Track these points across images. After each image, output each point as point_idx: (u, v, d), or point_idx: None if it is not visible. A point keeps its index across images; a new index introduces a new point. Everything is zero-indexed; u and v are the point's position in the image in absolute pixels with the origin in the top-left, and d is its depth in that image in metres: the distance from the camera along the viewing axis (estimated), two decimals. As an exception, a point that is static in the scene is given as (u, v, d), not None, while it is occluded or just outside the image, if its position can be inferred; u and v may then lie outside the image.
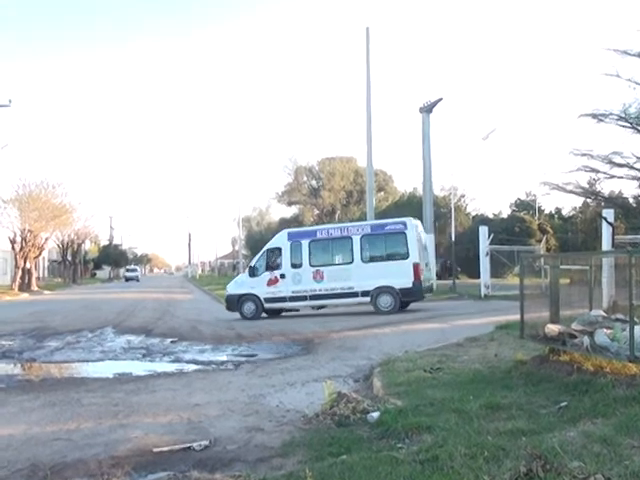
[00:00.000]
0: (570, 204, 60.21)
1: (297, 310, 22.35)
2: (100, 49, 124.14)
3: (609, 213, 16.06)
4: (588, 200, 39.25)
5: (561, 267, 9.43)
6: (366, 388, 8.82)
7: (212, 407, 8.02)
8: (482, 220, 53.16)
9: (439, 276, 37.14)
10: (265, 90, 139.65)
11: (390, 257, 20.25)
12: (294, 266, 21.21)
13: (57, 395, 9.25)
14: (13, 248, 47.06)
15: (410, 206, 54.30)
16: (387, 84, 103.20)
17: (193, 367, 11.95)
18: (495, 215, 64.87)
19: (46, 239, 52.87)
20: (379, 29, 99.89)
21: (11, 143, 50.94)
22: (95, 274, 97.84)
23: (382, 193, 72.92)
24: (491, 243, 28.86)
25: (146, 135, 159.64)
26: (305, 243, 21.42)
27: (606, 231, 15.72)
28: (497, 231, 36.08)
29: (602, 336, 7.41)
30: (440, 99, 34.20)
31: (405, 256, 19.89)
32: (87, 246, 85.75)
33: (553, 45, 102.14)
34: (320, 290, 20.91)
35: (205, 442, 6.33)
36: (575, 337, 7.75)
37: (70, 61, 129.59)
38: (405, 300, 19.90)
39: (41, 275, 65.32)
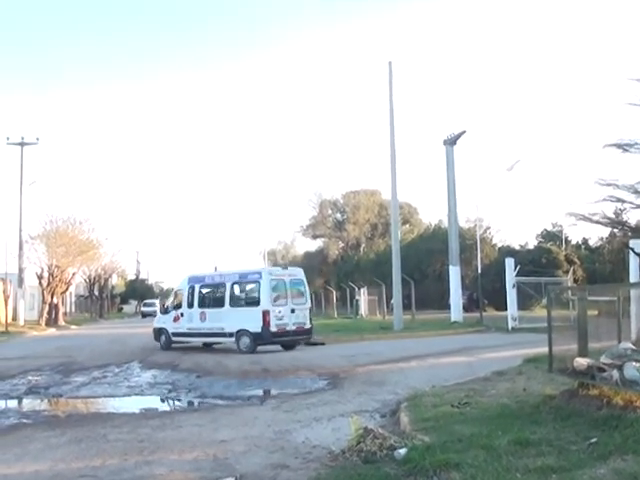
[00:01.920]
0: (597, 235, 59.51)
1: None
2: (120, 83, 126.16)
3: (637, 244, 15.88)
4: (615, 230, 38.88)
5: (589, 299, 9.33)
6: (393, 424, 8.72)
7: (238, 443, 7.98)
8: (508, 251, 52.74)
9: (466, 309, 36.78)
10: (290, 124, 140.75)
11: (248, 303, 22.24)
12: (189, 306, 23.89)
13: (83, 431, 9.24)
14: (40, 283, 47.48)
15: (435, 238, 54.20)
16: (411, 117, 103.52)
17: (218, 402, 11.93)
18: (521, 246, 64.36)
19: (73, 274, 53.28)
20: (403, 62, 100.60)
21: (38, 179, 51.67)
22: (122, 308, 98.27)
23: (407, 226, 72.92)
24: (518, 274, 28.63)
25: (173, 170, 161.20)
26: (197, 287, 24.17)
27: (633, 262, 15.55)
28: (523, 262, 35.72)
29: (631, 369, 7.29)
30: (464, 131, 34.31)
31: (257, 303, 21.52)
32: (114, 281, 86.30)
33: (577, 75, 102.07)
34: (204, 329, 23.41)
35: (231, 479, 6.30)
36: (604, 371, 7.64)
37: (95, 94, 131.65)
38: (258, 343, 21.23)
39: (68, 310, 65.74)
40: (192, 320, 23.59)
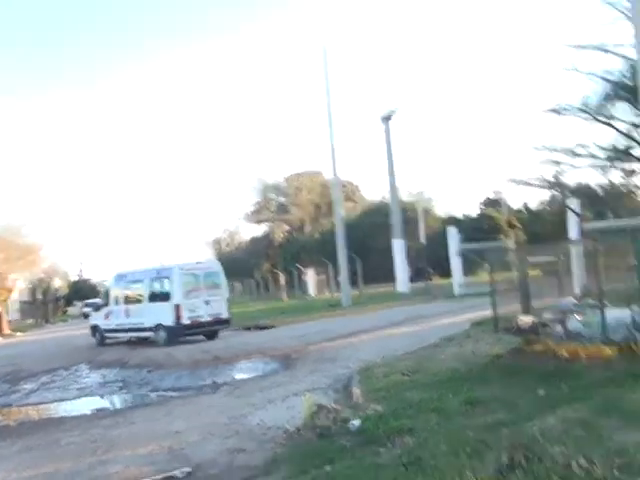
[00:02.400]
0: (537, 199, 60.75)
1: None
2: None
3: (574, 203, 16.28)
4: (555, 192, 39.73)
5: (531, 260, 9.49)
6: (346, 397, 8.73)
7: (192, 433, 7.89)
8: (452, 221, 53.46)
9: (412, 280, 37.11)
10: (229, 110, 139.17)
11: (162, 298, 22.41)
12: (116, 303, 24.49)
13: (34, 439, 9.03)
14: (-20, 292, 46.32)
15: (379, 213, 54.43)
16: (348, 96, 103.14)
17: (171, 394, 11.81)
18: (465, 215, 65.28)
19: (14, 280, 52.10)
20: (339, 38, 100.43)
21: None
22: (67, 311, 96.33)
23: (350, 203, 73.01)
24: (463, 242, 29.00)
25: (112, 163, 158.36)
26: (121, 285, 24.81)
27: (572, 222, 15.93)
28: (467, 230, 36.27)
29: (575, 322, 7.46)
30: (398, 107, 34.58)
31: (169, 298, 21.99)
32: (57, 283, 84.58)
33: (511, 42, 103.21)
34: (128, 324, 23.78)
35: (187, 469, 6.23)
36: (548, 326, 7.80)
37: (31, 99, 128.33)
38: (172, 336, 21.63)
39: (12, 317, 64.27)
40: (119, 317, 24.21)
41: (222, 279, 23.36)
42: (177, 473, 6.13)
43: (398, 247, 32.97)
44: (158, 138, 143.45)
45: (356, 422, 6.51)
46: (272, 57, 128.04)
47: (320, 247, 56.91)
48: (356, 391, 8.37)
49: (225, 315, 22.82)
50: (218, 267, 23.72)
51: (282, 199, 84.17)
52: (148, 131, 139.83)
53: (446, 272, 36.70)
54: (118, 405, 11.34)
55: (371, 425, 6.25)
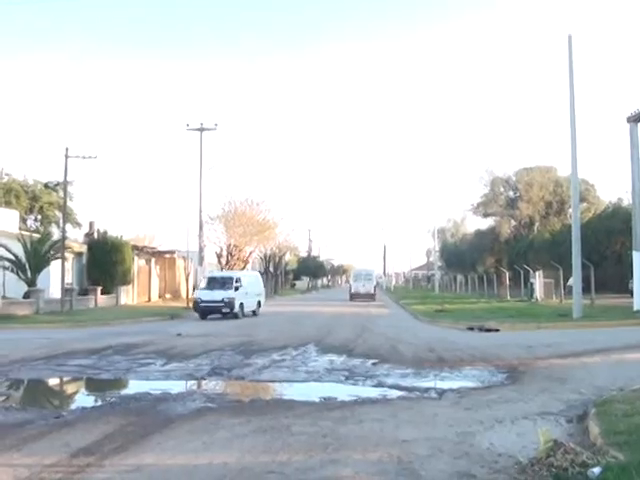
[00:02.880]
0: None
1: None
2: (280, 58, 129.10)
3: None
4: None
5: None
6: (581, 432, 8.38)
7: (420, 445, 7.92)
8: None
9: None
10: (463, 100, 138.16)
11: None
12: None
13: (267, 420, 9.43)
14: (219, 262, 49.82)
15: (615, 218, 51.33)
16: (589, 92, 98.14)
17: (396, 393, 11.94)
18: None
19: (250, 253, 55.48)
20: (583, 35, 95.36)
21: (217, 164, 53.84)
22: (294, 285, 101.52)
23: (584, 204, 69.39)
24: None
25: (342, 148, 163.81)
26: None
27: None
28: None
29: None
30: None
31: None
32: (287, 257, 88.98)
33: None
34: None
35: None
36: None
37: (262, 78, 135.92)
38: None
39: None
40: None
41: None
42: (407, 491, 6.22)
43: (638, 259, 30.78)
44: (397, 122, 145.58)
45: (596, 470, 6.20)
46: (513, 46, 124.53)
47: (549, 247, 54.84)
48: (594, 429, 7.96)
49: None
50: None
51: (511, 193, 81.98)
52: (386, 115, 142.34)
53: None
54: (345, 397, 11.61)
55: (612, 477, 5.91)
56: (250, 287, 36.84)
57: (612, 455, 6.67)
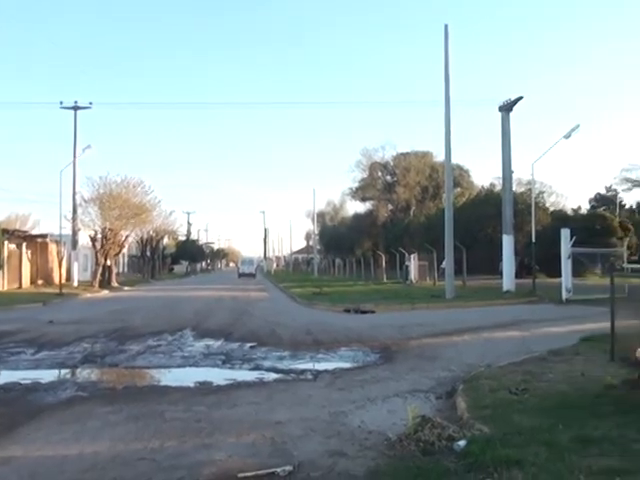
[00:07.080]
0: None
1: None
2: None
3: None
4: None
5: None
6: (449, 408, 8.66)
7: (294, 426, 7.97)
8: (561, 217, 51.81)
9: (517, 275, 36.26)
10: (343, 82, 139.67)
11: None
12: None
13: (140, 407, 9.27)
14: (94, 246, 48.25)
15: (487, 203, 53.36)
16: (465, 80, 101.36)
17: (273, 376, 11.97)
18: (574, 211, 63.24)
19: (126, 237, 54.03)
20: (459, 25, 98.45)
21: (93, 143, 51.89)
22: (173, 269, 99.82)
23: (458, 189, 71.85)
24: (572, 244, 28.07)
25: (221, 129, 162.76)
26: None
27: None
28: (577, 229, 34.98)
29: None
30: (520, 97, 33.47)
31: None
32: (165, 241, 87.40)
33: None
34: None
35: (289, 467, 6.31)
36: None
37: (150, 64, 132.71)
38: None
39: (121, 270, 66.98)
40: None
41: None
42: (279, 471, 6.22)
43: (507, 243, 32.22)
44: (280, 108, 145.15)
45: (462, 443, 6.42)
46: (391, 31, 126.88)
47: (424, 231, 56.50)
48: (461, 405, 8.26)
49: None
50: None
51: (389, 178, 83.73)
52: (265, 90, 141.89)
53: (552, 270, 35.70)
54: (221, 381, 11.52)
55: (477, 449, 6.12)
56: None
57: (477, 428, 6.93)
